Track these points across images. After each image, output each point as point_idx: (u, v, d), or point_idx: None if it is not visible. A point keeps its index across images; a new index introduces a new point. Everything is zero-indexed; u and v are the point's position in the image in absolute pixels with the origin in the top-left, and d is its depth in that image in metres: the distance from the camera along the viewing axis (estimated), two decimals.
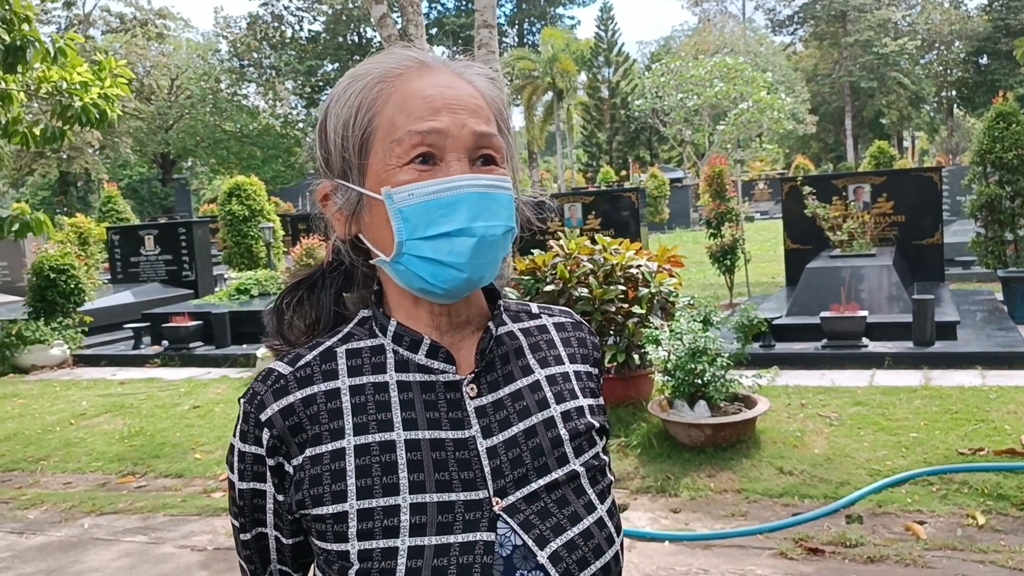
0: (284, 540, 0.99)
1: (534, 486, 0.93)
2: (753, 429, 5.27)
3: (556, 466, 0.95)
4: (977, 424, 5.33)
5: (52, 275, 10.29)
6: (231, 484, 0.98)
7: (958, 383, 6.24)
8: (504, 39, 44.92)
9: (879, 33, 44.50)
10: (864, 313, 7.35)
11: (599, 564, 0.94)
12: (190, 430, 6.74)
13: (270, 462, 0.94)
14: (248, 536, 1.00)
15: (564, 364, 1.03)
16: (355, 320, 1.01)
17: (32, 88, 6.13)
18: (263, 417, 0.93)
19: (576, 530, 0.93)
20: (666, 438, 5.30)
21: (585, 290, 5.74)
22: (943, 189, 10.53)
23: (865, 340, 7.24)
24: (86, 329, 10.51)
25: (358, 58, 37.04)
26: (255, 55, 38.97)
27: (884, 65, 44.37)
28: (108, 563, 4.48)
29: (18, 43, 5.64)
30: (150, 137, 37.60)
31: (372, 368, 0.96)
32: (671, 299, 5.95)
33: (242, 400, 0.96)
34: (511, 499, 0.92)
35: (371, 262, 0.97)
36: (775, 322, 7.70)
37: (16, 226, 5.87)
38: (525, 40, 48.22)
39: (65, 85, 6.08)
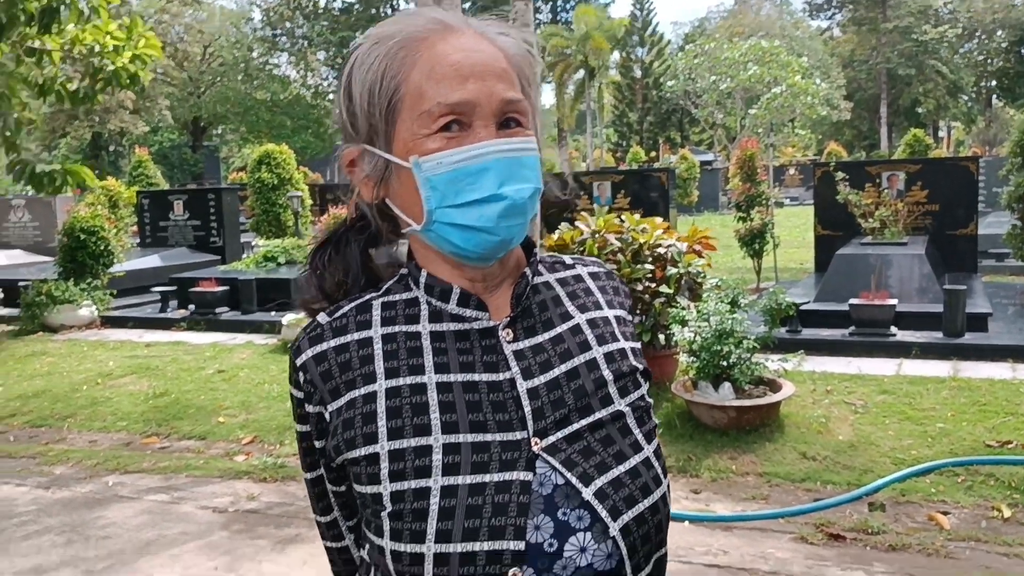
0: (331, 487, 1.03)
1: (576, 426, 0.93)
2: (777, 413, 5.22)
3: (600, 407, 0.96)
4: (1006, 417, 5.25)
5: (82, 236, 10.38)
6: (296, 432, 1.04)
7: (988, 375, 6.15)
8: (537, 16, 44.58)
9: (919, 20, 43.72)
10: (894, 301, 7.25)
11: (647, 503, 0.93)
12: (214, 394, 6.80)
13: (308, 408, 0.98)
14: (311, 476, 1.05)
15: (603, 309, 1.04)
16: (399, 274, 1.03)
17: (66, 49, 6.16)
18: (299, 362, 0.98)
19: (622, 468, 0.93)
20: (689, 419, 5.28)
21: (613, 267, 5.70)
22: (979, 179, 10.33)
23: (894, 329, 7.15)
24: (114, 291, 10.61)
25: None
26: (288, 24, 38.95)
27: (923, 53, 43.61)
28: (130, 519, 4.54)
29: (53, 4, 5.65)
30: (182, 103, 37.77)
31: (405, 319, 0.97)
32: (699, 280, 5.90)
33: (292, 347, 1.01)
34: (551, 439, 0.92)
35: (402, 232, 0.98)
36: (803, 307, 7.62)
37: (58, 181, 5.93)
38: (558, 17, 47.81)
39: (98, 48, 6.10)
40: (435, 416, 0.91)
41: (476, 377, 0.93)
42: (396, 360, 0.94)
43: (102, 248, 10.53)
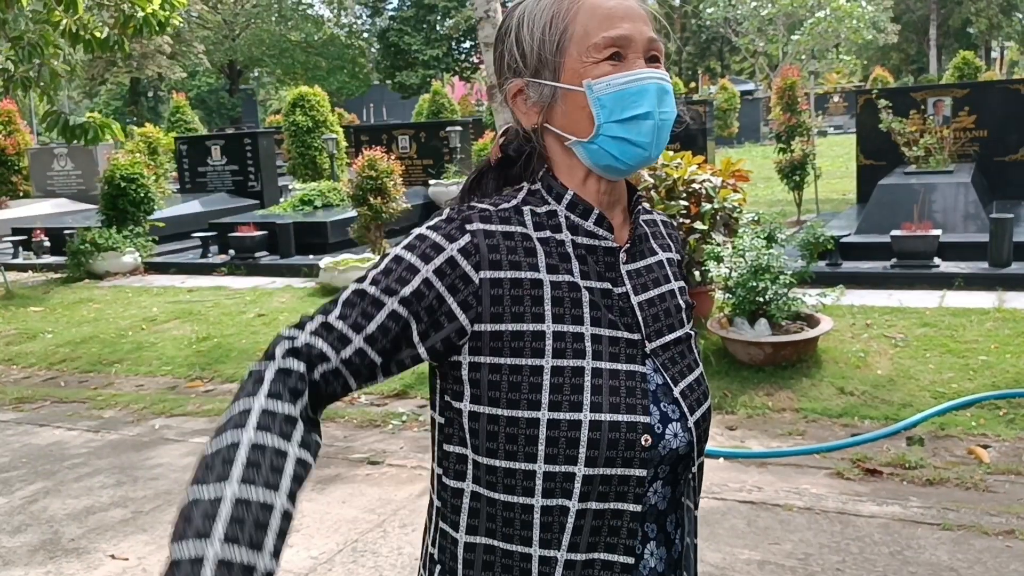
0: (373, 355, 1.07)
1: (667, 338, 1.17)
2: (815, 348, 5.18)
3: (678, 326, 1.19)
4: None
5: (123, 184, 10.50)
6: (398, 261, 1.07)
7: None
8: None
9: None
10: (937, 232, 7.09)
11: (705, 406, 1.19)
12: (255, 337, 6.92)
13: (463, 265, 1.06)
14: (392, 305, 1.06)
15: (671, 251, 1.27)
16: (523, 191, 1.17)
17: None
18: (470, 227, 1.08)
19: (692, 377, 1.18)
20: (725, 355, 5.25)
21: (646, 204, 5.63)
22: None
23: (937, 260, 7.01)
24: (156, 238, 10.77)
25: None
26: None
27: None
28: (176, 461, 4.67)
29: None
30: (217, 46, 37.70)
31: (551, 228, 1.13)
32: (734, 215, 5.81)
33: (446, 211, 1.12)
34: (653, 345, 1.14)
35: (566, 144, 1.13)
36: (843, 240, 7.49)
37: (91, 133, 5.99)
38: None
39: None
40: (587, 311, 1.09)
41: (606, 286, 1.12)
42: (554, 259, 1.10)
43: (143, 195, 10.66)
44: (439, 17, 35.12)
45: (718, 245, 5.43)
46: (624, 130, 1.08)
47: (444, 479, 1.15)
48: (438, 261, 1.07)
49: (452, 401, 1.12)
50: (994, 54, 48.00)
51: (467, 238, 1.07)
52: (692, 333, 1.22)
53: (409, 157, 12.97)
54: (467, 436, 1.10)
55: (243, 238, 9.94)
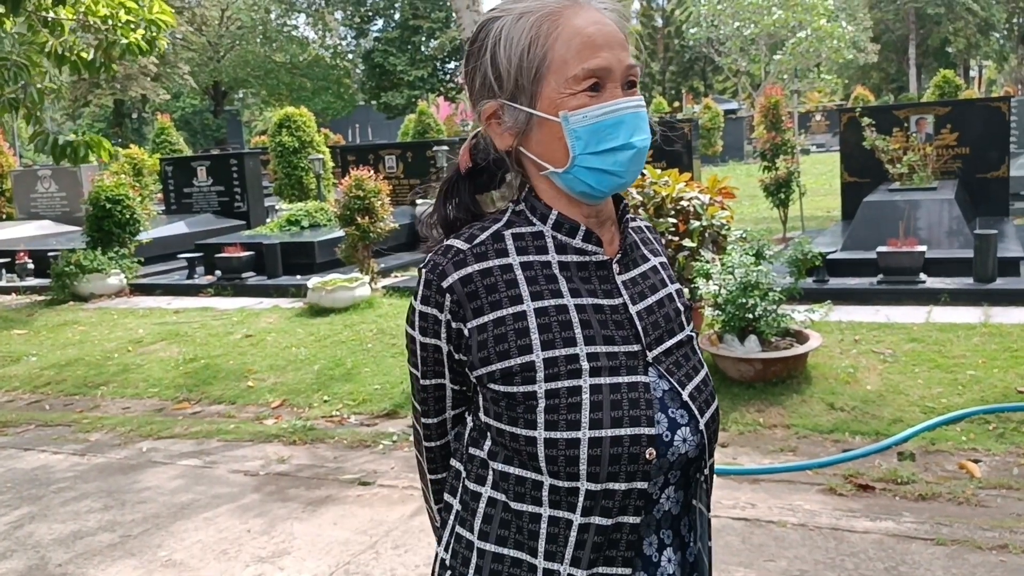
0: (454, 387, 1.20)
1: (668, 344, 1.18)
2: (804, 364, 5.19)
3: (678, 330, 1.21)
4: None
5: (108, 205, 10.45)
6: (412, 339, 1.18)
7: (1020, 320, 6.05)
8: None
9: None
10: (922, 248, 7.15)
11: (713, 407, 1.20)
12: (243, 358, 6.87)
13: (454, 325, 1.12)
14: (429, 383, 1.20)
15: (660, 256, 1.29)
16: (508, 212, 1.19)
17: (81, 20, 6.14)
18: (445, 284, 1.12)
19: (698, 379, 1.19)
20: (715, 372, 5.25)
21: (631, 213, 5.64)
22: (1011, 120, 10.09)
23: (923, 276, 7.06)
24: (141, 259, 10.71)
25: None
26: None
27: None
28: (164, 484, 4.62)
29: None
30: (202, 68, 37.69)
31: (536, 250, 1.14)
32: (723, 232, 5.84)
33: (423, 270, 1.14)
34: (655, 352, 1.15)
35: (541, 174, 1.14)
36: (829, 257, 7.53)
37: (83, 151, 5.95)
38: None
39: (111, 23, 6.07)
40: (578, 331, 1.10)
41: (600, 302, 1.14)
42: (538, 285, 1.12)
43: (128, 216, 10.60)
44: (424, 38, 35.28)
45: (707, 262, 5.45)
46: (600, 161, 1.09)
47: (467, 482, 1.18)
48: (434, 331, 1.15)
49: (476, 409, 1.18)
50: (973, 73, 48.64)
51: (447, 298, 1.12)
52: (693, 335, 1.24)
53: (396, 177, 12.98)
54: (487, 443, 1.15)
55: (230, 259, 9.90)
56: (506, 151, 1.16)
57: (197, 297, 9.70)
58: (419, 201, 12.42)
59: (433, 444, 1.27)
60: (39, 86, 6.16)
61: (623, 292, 1.16)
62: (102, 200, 10.46)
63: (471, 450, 1.18)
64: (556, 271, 1.13)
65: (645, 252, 1.25)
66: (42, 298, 10.28)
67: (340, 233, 9.23)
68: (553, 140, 1.10)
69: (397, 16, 37.06)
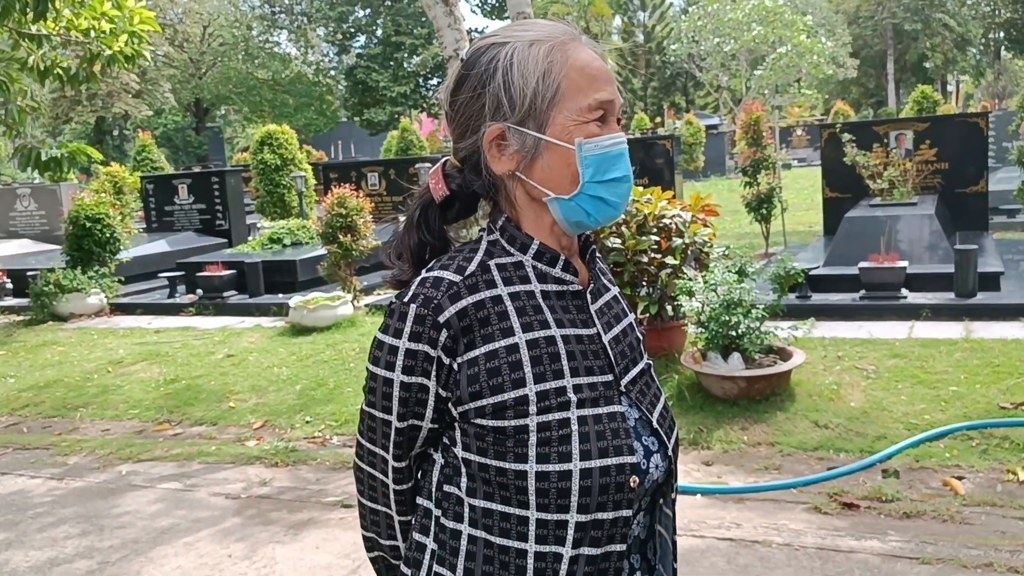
0: (432, 426, 1.16)
1: (634, 372, 1.21)
2: (788, 381, 5.19)
3: (640, 358, 1.24)
4: (1020, 378, 5.19)
5: (88, 224, 10.35)
6: (387, 381, 1.14)
7: (1000, 335, 6.09)
8: None
9: None
10: (904, 263, 7.19)
11: (675, 433, 1.24)
12: (224, 378, 6.81)
13: (443, 359, 1.10)
14: (404, 425, 1.16)
15: (615, 287, 1.31)
16: (482, 242, 1.19)
17: (63, 34, 6.11)
18: (441, 319, 1.10)
19: (660, 405, 1.23)
20: (699, 390, 5.25)
21: (618, 240, 5.65)
22: (989, 135, 10.17)
23: (904, 291, 7.09)
24: (122, 278, 10.62)
25: (389, 3, 36.56)
26: (286, 1, 38.64)
27: (929, 6, 42.93)
28: (144, 508, 4.56)
29: None
30: (184, 85, 37.56)
31: (519, 280, 1.15)
32: (705, 249, 5.85)
33: (412, 304, 1.11)
34: (624, 380, 1.17)
35: (544, 200, 1.14)
36: (812, 272, 7.55)
37: (65, 166, 5.91)
38: None
39: (94, 34, 6.05)
40: (565, 363, 1.11)
41: (580, 331, 1.15)
42: (527, 316, 1.12)
43: (108, 235, 10.51)
44: (406, 55, 35.34)
45: (690, 280, 5.45)
46: (604, 190, 1.13)
47: (442, 520, 1.16)
48: (423, 369, 1.12)
49: (449, 444, 1.15)
50: (950, 87, 49.15)
51: (443, 333, 1.10)
52: (650, 363, 1.28)
53: (379, 194, 12.95)
54: (463, 479, 1.13)
55: (211, 277, 9.83)
56: (502, 176, 1.16)
57: (178, 316, 9.62)
58: (402, 219, 12.42)
59: (404, 487, 1.23)
60: (19, 103, 6.12)
61: (596, 321, 1.18)
62: (82, 219, 10.37)
63: (445, 487, 1.16)
64: (540, 301, 1.14)
65: (605, 283, 1.27)
66: (20, 318, 10.17)
67: (322, 251, 9.20)
68: (561, 166, 1.12)
69: (379, 33, 37.11)
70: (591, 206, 1.13)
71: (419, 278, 1.14)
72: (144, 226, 14.08)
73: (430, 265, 1.17)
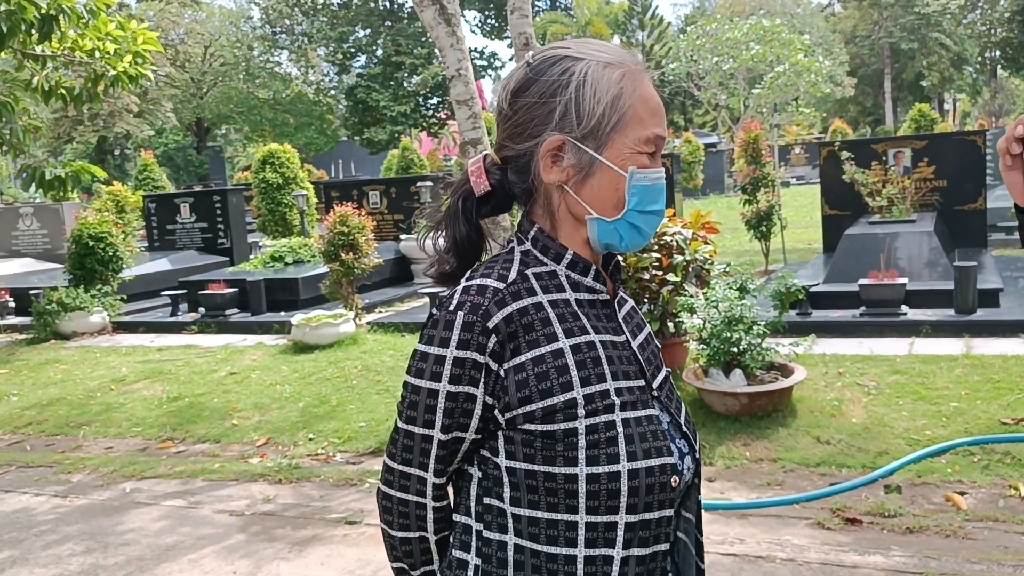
0: (474, 437, 1.16)
1: (659, 378, 1.24)
2: (790, 398, 5.21)
3: (662, 365, 1.28)
4: (1020, 393, 5.22)
5: (91, 243, 10.40)
6: (432, 393, 1.13)
7: (1001, 351, 6.12)
8: (537, 3, 44.30)
9: None
10: (903, 280, 7.22)
11: (699, 439, 1.27)
12: (227, 396, 6.83)
13: (491, 365, 1.11)
14: (448, 437, 1.15)
15: (631, 300, 1.34)
16: (514, 252, 1.20)
17: (67, 55, 6.17)
18: (490, 324, 1.11)
19: (684, 410, 1.27)
20: (701, 406, 5.27)
21: (619, 257, 5.68)
22: (987, 153, 10.24)
23: (904, 308, 7.12)
24: (124, 297, 10.65)
25: (390, 23, 36.75)
26: (287, 22, 38.80)
27: (926, 26, 43.20)
28: (148, 525, 4.57)
29: (52, 12, 5.66)
30: (185, 104, 37.71)
31: (555, 288, 1.17)
32: (706, 267, 5.89)
33: (459, 312, 1.12)
34: (654, 385, 1.21)
35: (585, 217, 1.17)
36: (812, 289, 7.59)
37: (69, 185, 5.96)
38: (558, 4, 47.57)
39: (98, 54, 6.11)
40: (606, 366, 1.14)
41: (613, 337, 1.18)
42: (567, 322, 1.14)
43: (111, 254, 10.55)
44: (406, 74, 35.46)
45: (691, 296, 5.48)
46: (642, 220, 1.17)
47: (485, 533, 1.16)
48: (470, 377, 1.12)
49: (490, 455, 1.16)
50: (947, 106, 49.41)
51: (492, 339, 1.11)
52: (670, 371, 1.32)
53: (380, 212, 13.01)
54: (506, 489, 1.14)
55: (213, 296, 9.86)
56: (548, 185, 1.18)
57: (181, 335, 9.64)
58: (403, 237, 12.46)
59: (442, 504, 1.21)
60: (22, 123, 6.18)
61: (625, 329, 1.22)
62: (85, 237, 10.42)
63: (486, 500, 1.16)
64: (576, 308, 1.17)
65: (623, 294, 1.31)
66: (23, 337, 10.19)
67: (324, 269, 9.23)
68: (610, 189, 1.15)
69: (380, 53, 37.25)
70: (627, 232, 1.17)
71: (460, 287, 1.15)
72: (146, 245, 14.14)
73: (468, 275, 1.18)
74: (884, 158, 10.01)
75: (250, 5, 40.68)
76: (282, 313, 9.59)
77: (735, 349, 5.13)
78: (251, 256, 12.83)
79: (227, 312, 9.83)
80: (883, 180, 9.58)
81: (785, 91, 15.12)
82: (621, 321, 1.22)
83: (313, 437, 5.73)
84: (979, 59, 47.43)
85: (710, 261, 5.91)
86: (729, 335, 5.09)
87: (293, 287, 10.09)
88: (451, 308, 1.13)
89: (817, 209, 11.09)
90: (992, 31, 46.01)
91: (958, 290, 7.02)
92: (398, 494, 1.20)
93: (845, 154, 9.72)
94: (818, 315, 7.36)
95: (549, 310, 1.14)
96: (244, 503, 4.78)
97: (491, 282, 1.14)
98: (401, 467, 1.19)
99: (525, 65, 1.19)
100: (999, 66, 47.61)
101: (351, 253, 8.61)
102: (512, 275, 1.16)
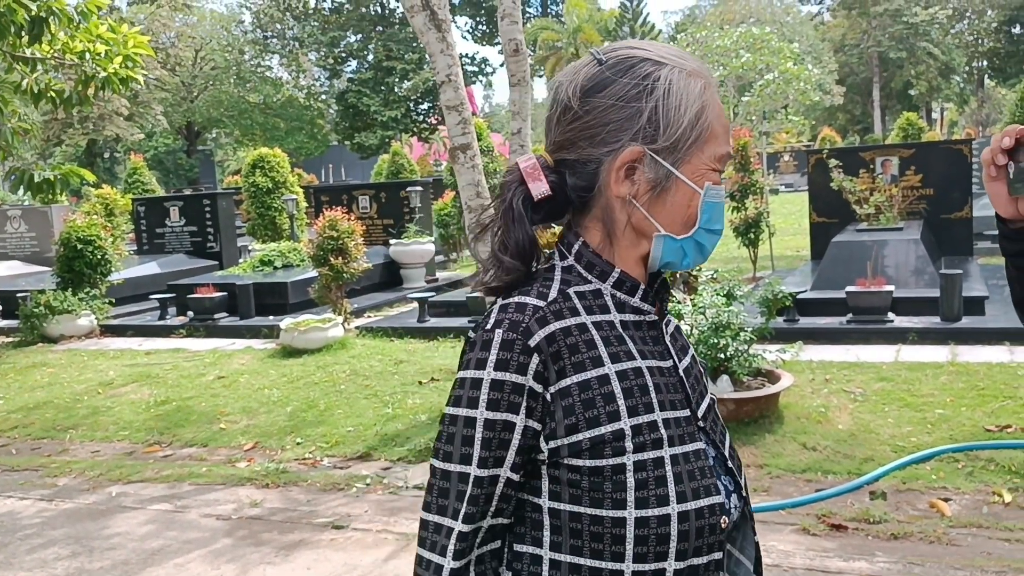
0: (512, 476, 1.03)
1: (704, 406, 1.13)
2: (776, 404, 5.24)
3: (706, 391, 1.17)
4: (1005, 401, 5.27)
5: (79, 246, 10.37)
6: (468, 421, 1.02)
7: (985, 359, 6.16)
8: (527, 9, 44.38)
9: (909, 2, 43.59)
10: (890, 288, 7.27)
11: (744, 472, 1.16)
12: (215, 400, 6.81)
13: (536, 388, 1.01)
14: (483, 474, 1.02)
15: (674, 320, 1.23)
16: (559, 269, 1.10)
17: (57, 57, 6.17)
18: (532, 343, 1.01)
19: (728, 440, 1.16)
20: None
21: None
22: (973, 162, 10.34)
23: (891, 315, 7.17)
24: (113, 300, 10.61)
25: (381, 28, 36.81)
26: (278, 26, 38.81)
27: (914, 35, 43.51)
28: (134, 529, 4.55)
29: (42, 14, 5.65)
30: (175, 108, 37.65)
31: (599, 309, 1.08)
32: (694, 273, 5.91)
33: (497, 330, 1.02)
34: (699, 414, 1.11)
35: (652, 234, 1.08)
36: (799, 296, 7.63)
37: (58, 188, 5.95)
38: (549, 10, 47.68)
39: (88, 56, 6.11)
40: (654, 395, 1.05)
41: (659, 363, 1.09)
42: (612, 346, 1.05)
43: (99, 257, 10.52)
44: (397, 79, 35.50)
45: (679, 303, 5.51)
46: (707, 238, 1.10)
47: None
48: (512, 403, 1.01)
49: (529, 496, 1.05)
50: (935, 115, 49.75)
51: (535, 360, 1.01)
52: (714, 396, 1.21)
53: (370, 217, 13.00)
54: (546, 533, 1.04)
55: (202, 299, 9.84)
56: (615, 197, 1.07)
57: (169, 338, 9.62)
58: (392, 242, 12.47)
59: (460, 563, 1.04)
60: (11, 125, 6.17)
61: (672, 352, 1.12)
62: (73, 240, 10.38)
63: (516, 547, 1.07)
64: (620, 331, 1.07)
65: (669, 315, 1.21)
66: (10, 340, 10.14)
67: (313, 273, 9.23)
68: (683, 207, 1.07)
69: (370, 57, 37.30)
70: (692, 250, 1.09)
71: (497, 306, 1.06)
72: (135, 248, 14.09)
73: (505, 295, 1.09)
74: (872, 166, 10.07)
75: (241, 9, 40.68)
76: (271, 317, 9.57)
77: (722, 355, 5.16)
78: (240, 260, 12.81)
79: (216, 316, 9.81)
80: (871, 188, 9.65)
81: (774, 99, 15.18)
82: (669, 344, 1.13)
83: (301, 441, 5.72)
84: (967, 69, 47.82)
85: (697, 267, 5.94)
86: (716, 341, 5.12)
87: (282, 291, 10.08)
88: (488, 327, 1.03)
89: (805, 216, 11.15)
90: (980, 41, 46.41)
91: (944, 298, 7.07)
92: (426, 554, 1.05)
93: (833, 162, 9.78)
94: (805, 322, 7.40)
95: (593, 332, 1.05)
96: (231, 507, 4.77)
97: (530, 300, 1.05)
98: (434, 518, 1.04)
99: (594, 62, 1.08)
100: (986, 76, 48.01)
101: (340, 257, 8.61)
102: (553, 293, 1.06)
